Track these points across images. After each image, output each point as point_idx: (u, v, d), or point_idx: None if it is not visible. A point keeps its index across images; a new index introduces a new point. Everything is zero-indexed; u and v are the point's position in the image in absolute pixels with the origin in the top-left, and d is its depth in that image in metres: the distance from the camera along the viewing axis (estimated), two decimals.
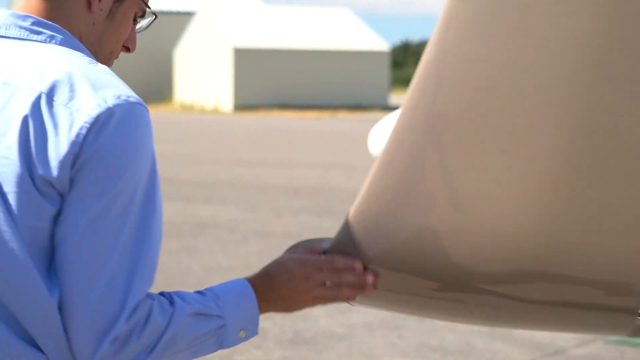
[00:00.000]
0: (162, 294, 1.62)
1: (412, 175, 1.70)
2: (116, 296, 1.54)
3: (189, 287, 7.50)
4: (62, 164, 1.53)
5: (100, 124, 1.55)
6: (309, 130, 31.96)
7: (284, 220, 11.49)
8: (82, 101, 1.56)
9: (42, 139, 1.55)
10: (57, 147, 1.54)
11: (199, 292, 1.66)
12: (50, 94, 1.57)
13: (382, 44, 53.12)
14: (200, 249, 9.47)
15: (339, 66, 51.37)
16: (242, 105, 49.67)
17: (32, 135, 1.55)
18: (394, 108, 50.97)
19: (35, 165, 1.54)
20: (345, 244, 1.77)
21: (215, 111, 49.96)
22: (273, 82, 50.79)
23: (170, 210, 12.16)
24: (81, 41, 1.70)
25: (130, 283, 1.54)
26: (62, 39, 1.67)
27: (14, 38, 1.67)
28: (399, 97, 63.01)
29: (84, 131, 1.54)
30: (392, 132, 1.71)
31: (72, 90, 1.57)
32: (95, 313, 1.53)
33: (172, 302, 1.61)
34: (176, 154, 21.21)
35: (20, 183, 1.54)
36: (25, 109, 1.56)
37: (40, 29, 1.67)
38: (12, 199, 1.54)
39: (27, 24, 1.68)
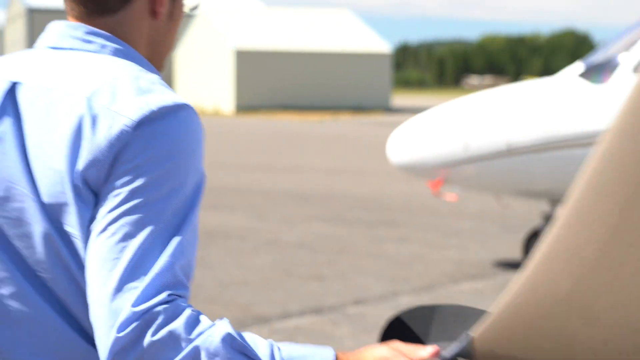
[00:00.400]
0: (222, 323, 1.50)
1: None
2: (131, 292, 1.47)
3: (202, 304, 7.17)
4: (101, 165, 1.52)
5: (142, 126, 1.53)
6: (311, 133, 31.66)
7: (295, 229, 11.14)
8: (125, 104, 1.54)
9: (84, 142, 1.53)
10: (97, 149, 1.52)
11: (274, 343, 1.51)
12: (94, 98, 1.55)
13: (383, 46, 52.81)
14: (211, 261, 9.12)
15: (341, 68, 51.08)
16: (244, 107, 49.37)
17: (75, 139, 1.54)
18: (396, 110, 50.97)
19: (77, 169, 1.53)
20: (493, 343, 1.43)
21: (216, 113, 49.64)
22: (274, 83, 50.49)
23: None
24: (147, 48, 1.71)
25: (150, 280, 1.48)
26: (114, 48, 1.66)
27: (67, 49, 1.65)
28: (399, 99, 62.85)
29: (124, 133, 1.52)
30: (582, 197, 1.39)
31: (114, 94, 1.55)
32: (108, 306, 1.48)
33: (218, 328, 1.47)
34: None
35: (64, 189, 1.54)
36: (69, 114, 1.56)
37: (92, 39, 1.66)
38: (55, 205, 1.54)
39: (79, 33, 1.66)
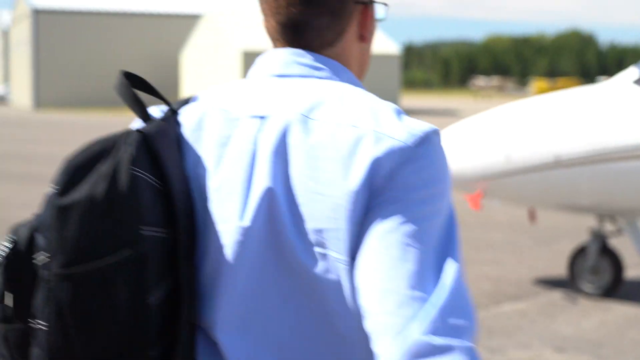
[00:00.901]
0: None
1: None
2: (420, 320, 1.43)
3: None
4: (373, 188, 1.53)
5: (413, 149, 1.55)
6: None
7: None
8: (392, 128, 1.56)
9: (356, 165, 1.53)
10: (370, 171, 1.53)
11: None
12: (359, 123, 1.56)
13: (392, 47, 52.30)
14: None
15: None
16: None
17: (345, 163, 1.54)
18: (405, 111, 50.26)
19: (350, 192, 1.53)
20: None
21: None
22: None
23: None
24: (356, 70, 1.74)
25: (439, 310, 1.44)
26: (342, 74, 1.68)
27: (295, 76, 1.65)
28: (406, 100, 62.30)
29: (397, 155, 1.53)
30: None
31: (377, 118, 1.57)
32: (393, 331, 1.44)
33: None
34: None
35: (334, 214, 1.53)
36: (337, 141, 1.55)
37: (321, 65, 1.66)
38: (320, 231, 1.54)
39: (307, 60, 1.66)
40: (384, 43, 52.69)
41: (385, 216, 1.50)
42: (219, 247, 1.57)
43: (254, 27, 51.96)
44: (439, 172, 1.55)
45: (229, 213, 1.57)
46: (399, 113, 1.60)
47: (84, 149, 1.55)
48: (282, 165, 1.56)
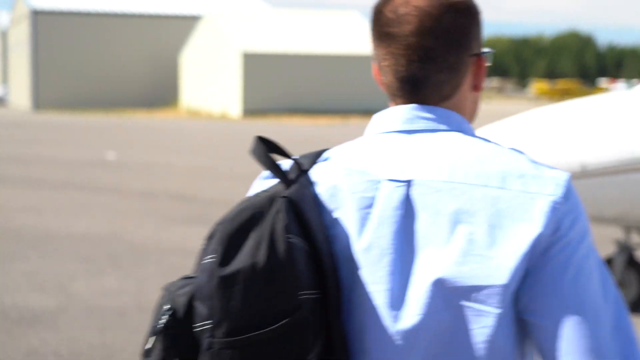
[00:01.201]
0: None
1: None
2: None
3: None
4: (538, 243, 1.57)
5: (566, 200, 1.60)
6: (324, 138, 30.83)
7: None
8: (539, 182, 1.61)
9: (509, 230, 1.56)
10: (533, 229, 1.57)
11: None
12: (508, 186, 1.60)
13: None
14: None
15: (349, 70, 50.30)
16: (251, 111, 48.56)
17: (502, 224, 1.57)
18: None
19: (516, 252, 1.56)
20: None
21: (223, 117, 48.85)
22: (282, 87, 49.71)
23: (199, 236, 11.03)
24: (469, 118, 1.76)
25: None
26: (463, 126, 1.70)
27: (421, 131, 1.69)
28: None
29: (555, 209, 1.58)
30: None
31: (523, 178, 1.61)
32: None
33: None
34: (192, 167, 20.17)
35: (490, 272, 1.56)
36: (482, 204, 1.58)
37: (444, 119, 1.70)
38: (479, 289, 1.56)
39: (430, 115, 1.70)
40: None
41: (555, 274, 1.57)
42: (370, 307, 1.62)
43: (253, 28, 51.65)
44: (585, 220, 1.63)
45: (381, 276, 1.61)
46: (534, 163, 1.65)
47: (233, 216, 1.59)
48: (434, 228, 1.60)
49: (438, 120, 1.69)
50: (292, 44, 50.96)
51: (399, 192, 1.62)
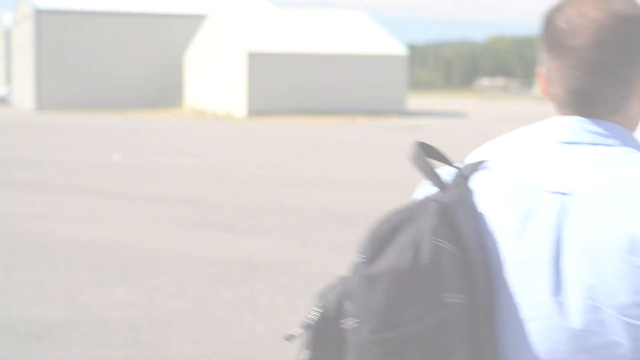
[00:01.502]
0: None
1: None
2: None
3: None
4: None
5: None
6: (332, 139, 30.56)
7: (348, 259, 9.98)
8: None
9: None
10: None
11: None
12: None
13: (399, 48, 51.66)
14: (261, 304, 7.98)
15: (355, 70, 49.98)
16: (257, 111, 48.25)
17: None
18: (411, 113, 49.85)
19: None
20: None
21: (228, 117, 48.54)
22: (288, 87, 49.40)
23: (211, 243, 10.76)
24: (632, 130, 1.73)
25: None
26: (629, 141, 1.68)
27: (584, 143, 1.67)
28: (410, 101, 61.56)
29: None
30: None
31: None
32: None
33: None
34: (200, 168, 19.89)
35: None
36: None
37: (610, 133, 1.67)
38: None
39: (596, 128, 1.68)
40: (390, 43, 52.06)
41: None
42: (525, 319, 1.61)
43: (258, 28, 51.33)
44: None
45: (538, 287, 1.59)
46: None
47: (386, 220, 1.62)
48: (595, 244, 1.57)
49: (604, 134, 1.67)
50: (298, 43, 50.64)
51: (559, 203, 1.62)
